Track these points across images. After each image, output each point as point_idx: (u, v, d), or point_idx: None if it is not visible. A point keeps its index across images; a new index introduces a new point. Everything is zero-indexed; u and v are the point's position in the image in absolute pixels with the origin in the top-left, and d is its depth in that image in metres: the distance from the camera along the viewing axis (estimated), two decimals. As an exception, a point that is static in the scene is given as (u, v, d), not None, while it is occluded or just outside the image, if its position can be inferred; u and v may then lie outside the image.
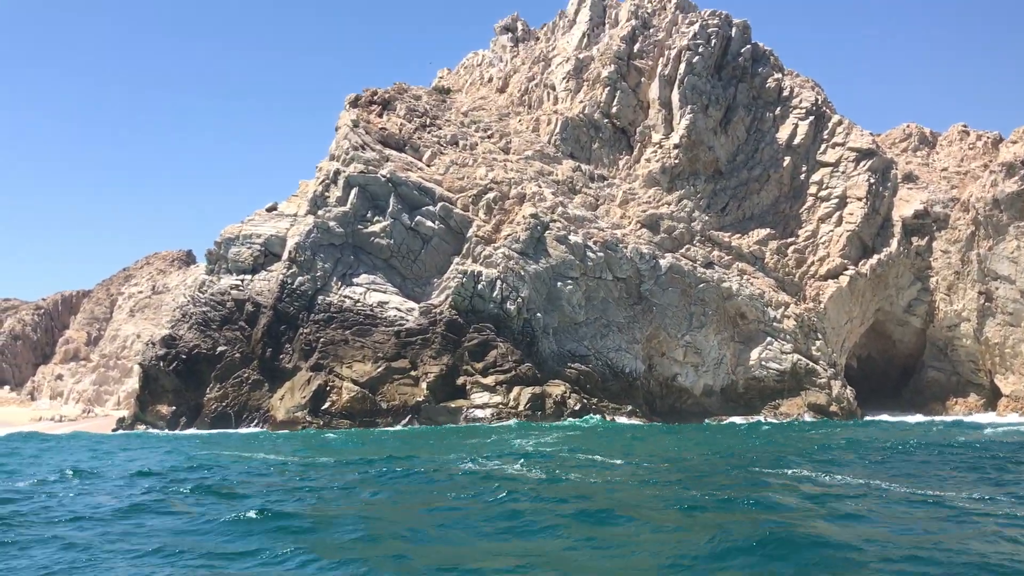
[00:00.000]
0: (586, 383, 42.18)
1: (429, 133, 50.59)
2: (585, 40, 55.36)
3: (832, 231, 49.25)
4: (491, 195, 46.26)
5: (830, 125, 51.83)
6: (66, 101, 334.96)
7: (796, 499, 12.19)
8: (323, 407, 39.77)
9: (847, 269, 48.11)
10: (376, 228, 44.94)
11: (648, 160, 49.81)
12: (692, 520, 10.50)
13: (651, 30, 53.88)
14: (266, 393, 41.51)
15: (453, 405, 40.29)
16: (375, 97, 51.65)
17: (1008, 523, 10.38)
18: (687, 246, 47.56)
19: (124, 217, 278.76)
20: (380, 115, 50.64)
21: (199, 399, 42.14)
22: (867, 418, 44.00)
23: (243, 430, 38.78)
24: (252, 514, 11.12)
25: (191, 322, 44.36)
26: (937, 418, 44.29)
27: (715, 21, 52.42)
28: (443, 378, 41.00)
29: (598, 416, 39.47)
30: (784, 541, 8.69)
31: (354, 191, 45.45)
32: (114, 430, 42.58)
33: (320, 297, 43.40)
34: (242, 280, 45.28)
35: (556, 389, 40.95)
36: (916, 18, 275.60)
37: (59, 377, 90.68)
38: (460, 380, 41.30)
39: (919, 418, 43.94)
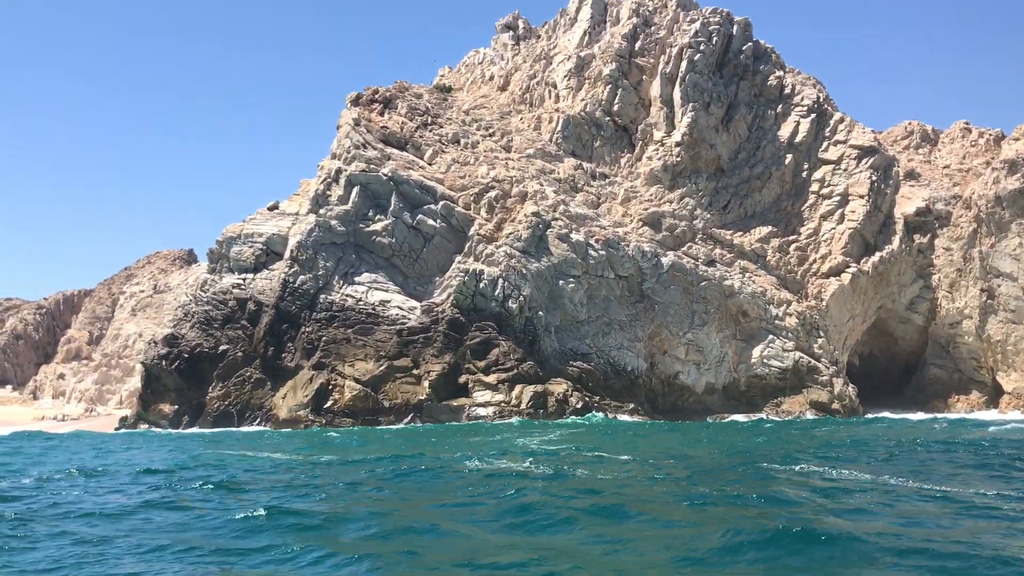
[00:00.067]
0: (588, 381, 42.20)
1: (430, 131, 50.58)
2: (586, 38, 55.33)
3: (834, 229, 49.23)
4: (493, 193, 46.25)
5: (832, 122, 51.80)
6: (66, 101, 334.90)
7: (806, 494, 12.18)
8: (325, 406, 39.80)
9: (849, 267, 48.09)
10: (378, 227, 44.94)
11: (650, 158, 49.79)
12: (703, 515, 10.49)
13: (652, 28, 53.86)
14: (268, 392, 41.53)
15: (455, 403, 40.32)
16: (376, 96, 51.63)
17: (1021, 516, 10.36)
18: (689, 244, 47.55)
19: (125, 216, 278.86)
20: (381, 114, 50.62)
21: (201, 398, 42.15)
22: (869, 415, 43.99)
23: (245, 429, 38.82)
24: (261, 511, 11.11)
25: (193, 321, 44.36)
26: (940, 415, 44.29)
27: (716, 19, 52.38)
28: (445, 376, 41.03)
29: (600, 414, 39.48)
30: (797, 535, 8.68)
31: (356, 190, 45.45)
32: (116, 429, 42.58)
33: (322, 296, 43.41)
34: (244, 279, 45.28)
35: (558, 387, 40.96)
36: (916, 17, 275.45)
37: (61, 376, 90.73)
38: (462, 378, 41.32)
39: (921, 416, 43.92)
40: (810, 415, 43.35)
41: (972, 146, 58.42)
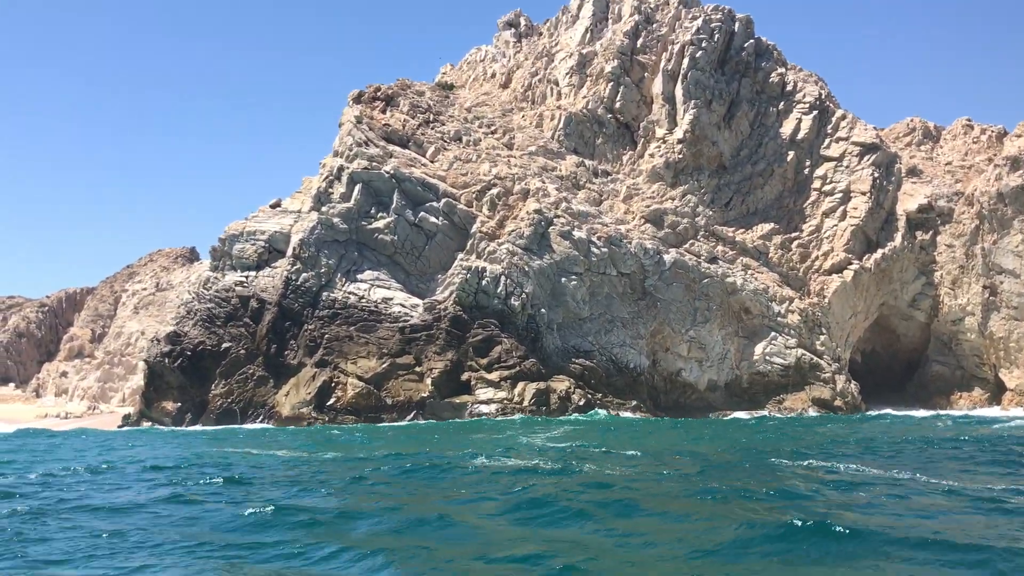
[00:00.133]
0: (590, 378, 42.23)
1: (432, 129, 50.56)
2: (588, 35, 55.29)
3: (836, 226, 49.22)
4: (495, 191, 46.26)
5: (833, 119, 51.78)
6: (68, 101, 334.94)
7: (817, 488, 12.20)
8: (328, 403, 39.86)
9: (851, 264, 48.09)
10: (380, 224, 44.95)
11: (652, 155, 49.79)
12: (714, 509, 10.51)
13: (654, 25, 53.81)
14: (271, 389, 41.58)
15: (458, 401, 40.35)
16: (378, 93, 51.62)
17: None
18: (691, 241, 47.56)
19: (127, 215, 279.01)
20: (383, 111, 50.62)
21: (204, 395, 42.21)
22: (871, 413, 43.99)
23: (248, 426, 38.86)
24: (270, 507, 11.14)
25: (196, 319, 44.41)
26: (942, 412, 44.29)
27: (718, 16, 52.34)
28: (447, 374, 41.06)
29: (603, 411, 39.52)
30: (810, 529, 8.70)
31: (358, 187, 45.47)
32: (119, 427, 42.67)
33: (324, 293, 43.45)
34: (246, 277, 45.31)
35: (560, 384, 40.98)
36: (918, 14, 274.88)
37: (64, 374, 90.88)
38: (464, 376, 41.36)
39: (924, 413, 43.91)
40: (812, 412, 43.37)
41: (974, 143, 58.37)
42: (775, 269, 48.25)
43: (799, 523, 8.95)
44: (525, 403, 39.54)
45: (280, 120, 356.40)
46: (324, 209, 45.13)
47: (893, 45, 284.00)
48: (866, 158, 50.26)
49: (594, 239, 44.79)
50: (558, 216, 45.14)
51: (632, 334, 44.33)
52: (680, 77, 50.19)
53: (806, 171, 50.75)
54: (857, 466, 15.26)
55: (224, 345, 43.07)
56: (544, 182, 47.21)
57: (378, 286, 43.96)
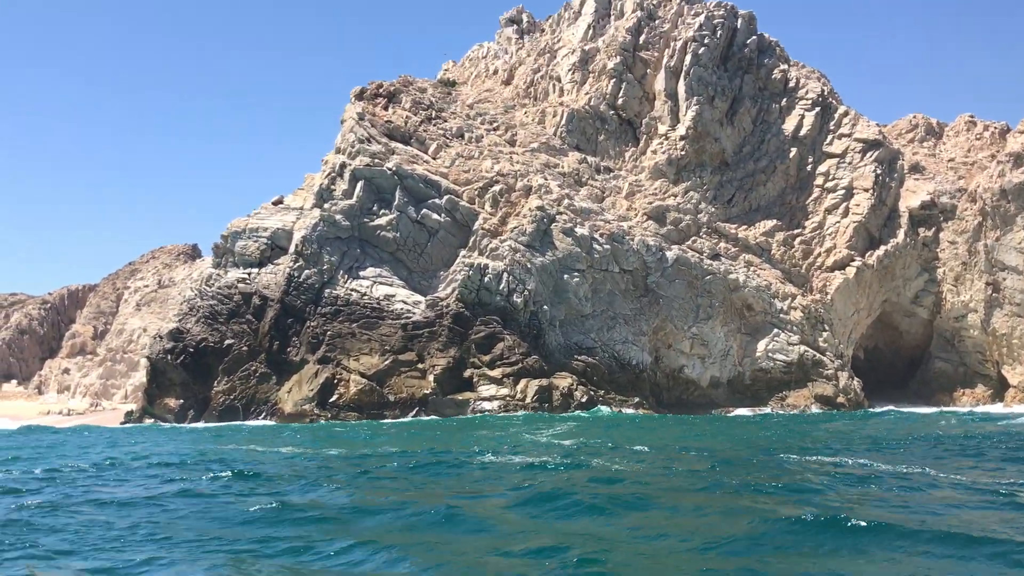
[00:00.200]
0: (593, 375, 42.22)
1: (435, 126, 50.50)
2: (591, 32, 55.21)
3: (839, 222, 49.17)
4: (497, 188, 46.22)
5: (836, 116, 51.71)
6: (70, 98, 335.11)
7: (828, 483, 12.18)
8: (331, 400, 39.88)
9: (854, 260, 48.05)
10: (382, 221, 44.93)
11: (654, 152, 49.73)
12: (726, 503, 10.51)
13: (656, 21, 53.71)
14: (274, 386, 41.60)
15: (460, 398, 40.36)
16: (380, 90, 51.56)
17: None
18: (693, 238, 47.53)
19: (129, 212, 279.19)
20: (386, 108, 50.56)
21: (207, 392, 42.23)
22: (875, 409, 43.96)
23: (251, 423, 38.86)
24: (280, 502, 11.13)
25: (198, 315, 44.42)
26: (946, 409, 44.27)
27: (721, 12, 52.25)
28: (450, 371, 41.07)
29: (607, 408, 39.52)
30: (824, 523, 8.69)
31: (360, 184, 45.44)
32: (122, 423, 42.68)
33: (327, 290, 43.44)
34: (249, 273, 45.30)
35: (563, 381, 40.98)
36: (921, 11, 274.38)
37: (66, 371, 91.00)
38: (467, 373, 41.37)
39: (928, 409, 43.86)
40: (815, 409, 43.36)
41: (977, 139, 58.25)
42: (778, 266, 48.22)
43: (812, 517, 8.95)
44: (527, 400, 39.56)
45: (282, 117, 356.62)
46: (326, 206, 45.11)
47: (895, 41, 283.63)
48: (869, 155, 50.19)
49: (596, 236, 44.75)
50: (560, 213, 45.10)
51: (634, 331, 44.32)
52: (683, 73, 50.12)
53: (808, 168, 50.70)
54: (866, 461, 15.25)
55: (227, 342, 43.07)
56: (546, 179, 47.17)
57: (380, 283, 43.95)
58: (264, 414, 40.55)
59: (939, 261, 50.50)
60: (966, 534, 8.25)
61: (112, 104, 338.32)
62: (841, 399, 44.52)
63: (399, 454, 18.58)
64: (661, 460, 15.92)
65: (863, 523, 8.58)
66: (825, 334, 46.41)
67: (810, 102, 51.45)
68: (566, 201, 45.99)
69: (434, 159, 48.12)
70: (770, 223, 49.00)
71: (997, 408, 44.60)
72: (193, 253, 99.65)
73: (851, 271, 47.66)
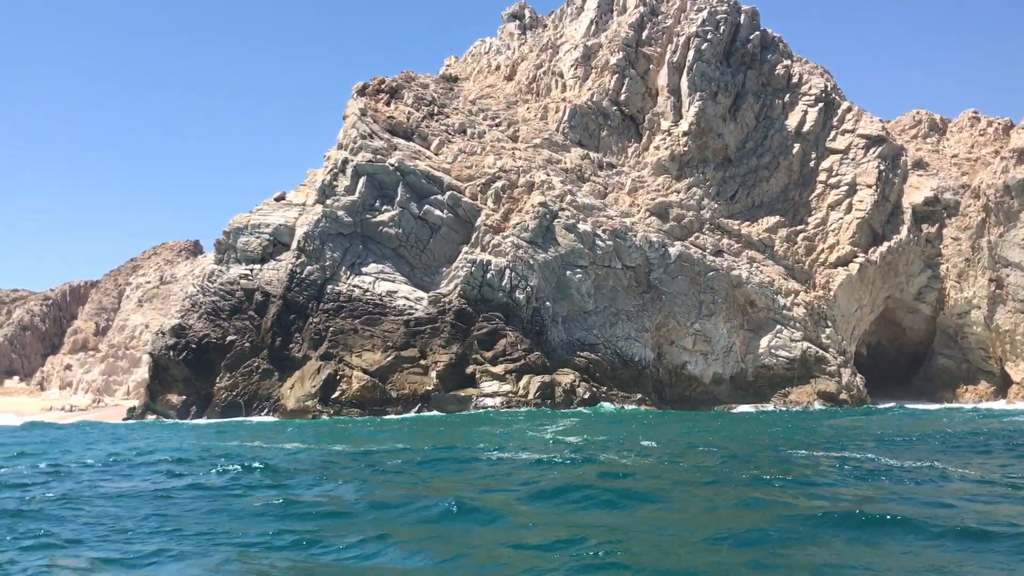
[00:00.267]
0: (595, 371, 42.20)
1: (437, 122, 50.41)
2: (593, 27, 55.06)
3: (842, 218, 49.11)
4: (499, 184, 46.14)
5: (839, 112, 51.60)
6: (72, 96, 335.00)
7: (839, 478, 12.17)
8: (333, 396, 39.87)
9: (857, 256, 48.00)
10: (384, 217, 44.87)
11: (657, 148, 49.64)
12: (739, 496, 10.47)
13: (659, 17, 53.55)
14: (276, 382, 41.60)
15: (463, 394, 40.35)
16: (383, 86, 51.45)
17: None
18: (696, 234, 47.46)
19: (131, 208, 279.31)
20: (388, 104, 50.46)
21: (209, 388, 42.22)
22: (879, 406, 43.94)
23: (254, 419, 38.88)
24: (289, 497, 11.11)
25: (201, 311, 44.41)
26: (950, 405, 44.24)
27: (723, 8, 52.09)
28: (452, 367, 41.05)
29: (610, 404, 39.52)
30: (836, 517, 8.67)
31: (362, 180, 45.37)
32: (124, 419, 42.73)
33: (329, 286, 43.41)
34: (251, 270, 45.28)
35: (565, 378, 40.96)
36: (923, 7, 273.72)
37: (68, 367, 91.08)
38: (469, 369, 41.34)
39: (932, 406, 43.83)
40: (818, 405, 43.34)
41: (981, 135, 58.14)
42: (780, 262, 48.16)
43: (824, 510, 8.93)
44: (530, 396, 39.55)
45: (284, 114, 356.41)
46: (328, 202, 45.05)
47: (899, 37, 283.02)
48: (872, 151, 50.10)
49: (599, 232, 44.69)
50: (563, 209, 45.04)
51: (637, 327, 44.29)
52: (685, 69, 50.00)
53: (812, 164, 50.62)
54: (875, 456, 15.23)
55: (229, 338, 43.06)
56: (549, 175, 47.10)
57: (383, 279, 43.91)
58: (266, 410, 40.56)
59: (942, 257, 50.44)
60: (980, 527, 8.22)
61: (114, 101, 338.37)
62: (844, 396, 44.50)
63: (404, 450, 18.55)
64: (669, 455, 15.88)
65: (876, 516, 8.56)
66: (828, 330, 46.36)
67: (813, 98, 51.35)
68: (568, 197, 45.92)
69: (436, 155, 48.04)
70: (773, 219, 48.93)
71: (1000, 404, 44.59)
72: (195, 249, 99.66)
73: (854, 267, 47.60)
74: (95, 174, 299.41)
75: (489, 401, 39.69)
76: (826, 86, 52.23)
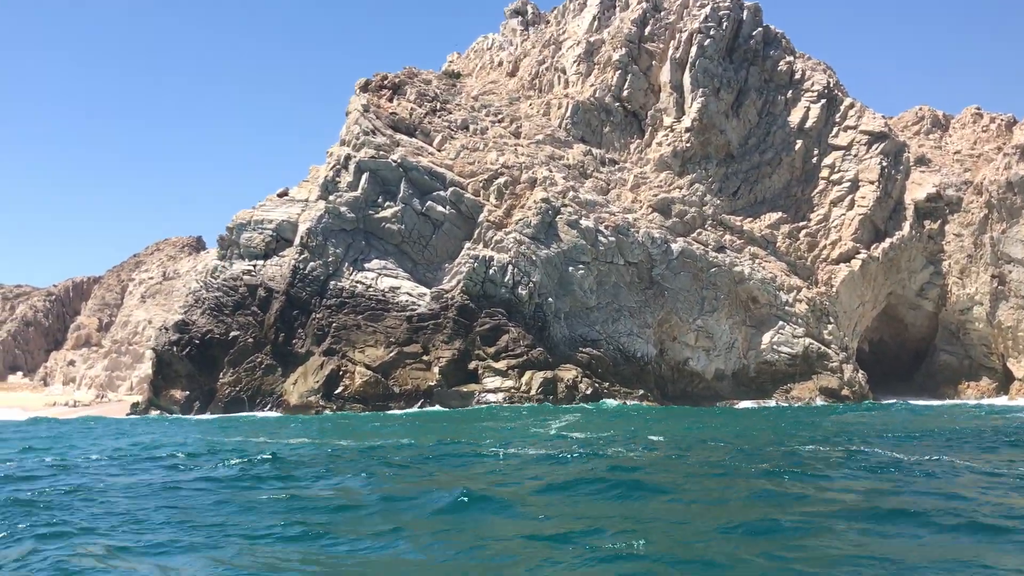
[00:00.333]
0: (597, 367, 42.27)
1: (439, 118, 50.43)
2: (596, 23, 55.01)
3: (844, 215, 49.09)
4: (502, 180, 46.17)
5: (842, 108, 51.55)
6: (75, 91, 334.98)
7: (848, 472, 12.20)
8: (336, 391, 39.95)
9: (859, 253, 48.00)
10: (387, 213, 44.91)
11: (659, 144, 49.64)
12: (753, 488, 10.49)
13: (662, 13, 53.49)
14: (279, 378, 41.69)
15: (465, 389, 40.43)
16: (385, 82, 51.46)
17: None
18: (699, 230, 47.48)
19: (134, 204, 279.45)
20: (390, 100, 50.48)
21: (212, 384, 42.33)
22: (882, 402, 43.97)
23: (257, 414, 39.00)
24: (298, 491, 11.15)
25: (204, 307, 44.50)
26: (952, 401, 44.27)
27: (726, 3, 52.02)
28: (455, 363, 41.12)
29: (612, 400, 39.60)
30: (852, 509, 8.71)
31: (365, 176, 45.40)
32: (128, 415, 42.85)
33: (332, 282, 43.48)
34: (254, 265, 45.36)
35: (568, 373, 41.04)
36: (927, 3, 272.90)
37: (71, 363, 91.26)
38: (472, 365, 41.42)
39: (935, 402, 43.86)
40: (820, 401, 43.40)
41: (983, 131, 58.09)
42: (783, 258, 48.18)
43: (836, 503, 8.97)
44: (532, 392, 39.63)
45: (287, 110, 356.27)
46: (331, 198, 45.09)
47: (902, 33, 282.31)
48: (874, 147, 50.06)
49: (601, 228, 44.73)
50: (565, 205, 45.07)
51: (639, 323, 44.34)
52: (688, 65, 49.97)
53: (814, 160, 50.59)
54: (883, 450, 15.27)
55: (232, 334, 43.16)
56: (551, 171, 47.12)
57: (385, 275, 43.97)
58: (269, 406, 40.66)
59: (944, 254, 50.45)
60: (994, 521, 8.25)
61: (116, 98, 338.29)
62: (846, 392, 44.54)
63: (410, 445, 18.63)
64: (677, 449, 15.93)
65: (889, 509, 8.60)
66: (830, 327, 46.39)
67: (816, 94, 51.30)
68: (571, 193, 45.94)
69: (439, 151, 48.06)
70: (775, 215, 48.94)
71: (1002, 401, 44.63)
72: (198, 245, 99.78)
73: (856, 264, 47.61)
74: (99, 168, 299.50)
75: (491, 397, 39.77)
76: (829, 82, 52.17)
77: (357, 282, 43.50)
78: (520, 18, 61.93)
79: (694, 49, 49.93)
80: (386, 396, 40.07)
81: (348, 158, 46.27)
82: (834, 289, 47.06)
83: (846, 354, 46.36)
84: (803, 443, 17.03)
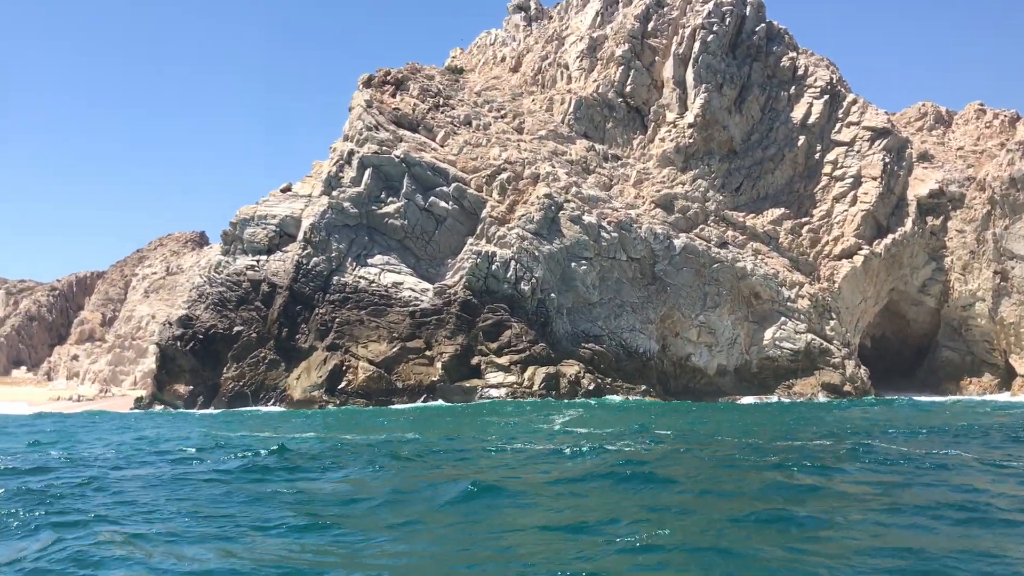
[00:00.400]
0: (600, 363, 42.35)
1: (442, 113, 50.45)
2: (599, 19, 54.97)
3: (846, 211, 49.09)
4: (505, 175, 46.21)
5: (845, 104, 51.50)
6: (77, 86, 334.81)
7: (857, 466, 12.23)
8: (339, 386, 40.08)
9: (861, 249, 48.01)
10: (390, 209, 44.98)
11: (662, 139, 49.64)
12: (765, 481, 10.52)
13: (665, 9, 53.44)
14: (282, 373, 41.82)
15: (468, 385, 40.54)
16: (388, 77, 51.47)
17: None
18: (701, 226, 47.51)
19: (137, 199, 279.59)
20: (393, 95, 50.50)
21: (216, 379, 42.48)
22: (885, 397, 44.00)
23: (260, 409, 39.13)
24: (306, 484, 11.22)
25: (208, 302, 44.63)
26: (954, 397, 44.28)
27: (729, 0, 51.97)
28: (458, 358, 41.22)
29: (615, 396, 39.68)
30: (870, 501, 8.72)
31: (368, 172, 45.46)
32: (132, 409, 43.00)
33: (335, 278, 43.58)
34: (258, 261, 45.47)
35: (570, 369, 41.12)
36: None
37: (75, 358, 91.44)
38: (474, 360, 41.52)
39: (937, 398, 43.85)
40: (822, 397, 43.45)
41: (986, 127, 58.02)
42: (785, 254, 48.20)
43: (849, 495, 9.01)
44: (535, 387, 39.72)
45: (290, 105, 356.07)
46: (335, 193, 45.16)
47: (905, 29, 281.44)
48: (877, 143, 50.03)
49: (604, 224, 44.77)
50: (568, 201, 45.11)
51: (642, 319, 44.41)
52: (691, 61, 49.94)
53: (817, 156, 50.57)
54: (890, 444, 15.33)
55: (235, 329, 43.29)
56: (554, 166, 47.14)
57: (388, 270, 44.06)
58: (273, 400, 40.81)
59: (947, 250, 50.44)
60: (1006, 514, 8.29)
61: (118, 87, 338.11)
62: (848, 388, 44.60)
63: (415, 439, 18.71)
64: (685, 443, 15.98)
65: (902, 501, 8.64)
66: (832, 322, 46.43)
67: (819, 90, 51.25)
68: (574, 189, 45.98)
69: (442, 147, 48.11)
70: (778, 211, 48.94)
71: (1004, 397, 44.66)
72: (201, 240, 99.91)
73: (859, 260, 47.62)
74: (102, 163, 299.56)
75: (494, 392, 39.89)
76: (831, 78, 52.12)
77: (360, 277, 43.59)
78: (523, 14, 61.88)
79: (697, 45, 49.89)
80: (389, 391, 40.19)
81: (351, 153, 46.32)
82: (836, 285, 47.09)
83: (848, 350, 46.41)
84: (810, 438, 17.06)
